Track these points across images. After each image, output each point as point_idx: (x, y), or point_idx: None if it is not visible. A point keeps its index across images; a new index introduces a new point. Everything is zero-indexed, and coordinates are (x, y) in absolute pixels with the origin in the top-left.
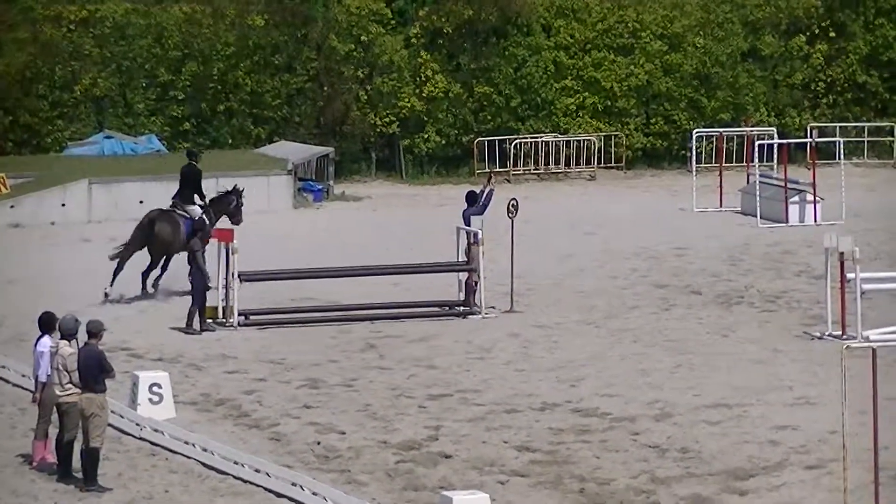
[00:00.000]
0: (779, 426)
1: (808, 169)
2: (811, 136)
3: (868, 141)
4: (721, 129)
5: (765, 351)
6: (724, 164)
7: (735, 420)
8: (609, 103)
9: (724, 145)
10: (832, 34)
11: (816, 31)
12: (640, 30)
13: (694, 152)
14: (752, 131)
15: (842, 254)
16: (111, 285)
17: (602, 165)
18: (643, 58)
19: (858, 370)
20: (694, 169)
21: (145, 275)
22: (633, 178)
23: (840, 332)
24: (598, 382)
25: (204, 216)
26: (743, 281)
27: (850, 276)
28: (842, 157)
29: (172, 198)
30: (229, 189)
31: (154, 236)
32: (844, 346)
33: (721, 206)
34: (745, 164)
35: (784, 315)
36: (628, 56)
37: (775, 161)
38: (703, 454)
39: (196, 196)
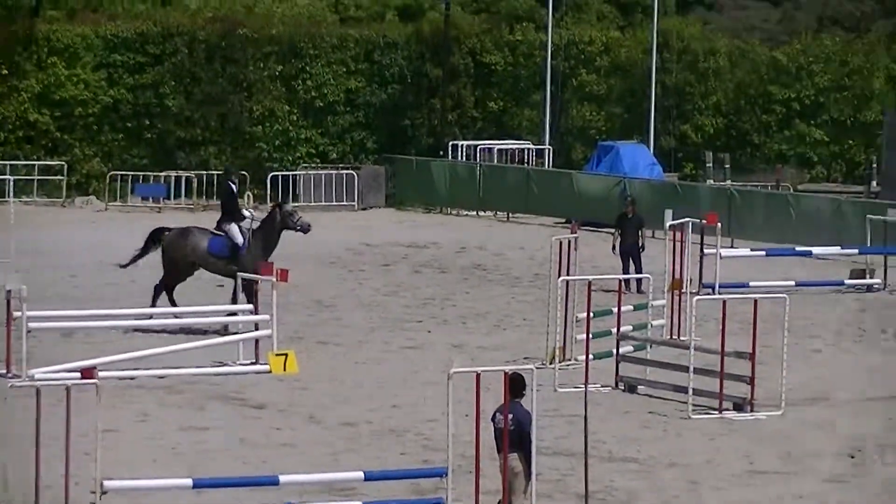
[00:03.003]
0: None
1: None
2: None
3: (38, 179)
4: None
5: None
6: None
7: None
8: None
9: None
10: (5, 72)
11: None
12: None
13: None
14: None
15: (9, 292)
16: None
17: None
18: None
19: (23, 408)
20: None
21: (158, 288)
22: None
23: (5, 371)
24: None
25: (238, 236)
26: None
27: (17, 314)
28: (12, 195)
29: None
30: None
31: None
32: (9, 385)
33: None
34: None
35: None
36: None
37: None
38: None
39: (235, 215)
